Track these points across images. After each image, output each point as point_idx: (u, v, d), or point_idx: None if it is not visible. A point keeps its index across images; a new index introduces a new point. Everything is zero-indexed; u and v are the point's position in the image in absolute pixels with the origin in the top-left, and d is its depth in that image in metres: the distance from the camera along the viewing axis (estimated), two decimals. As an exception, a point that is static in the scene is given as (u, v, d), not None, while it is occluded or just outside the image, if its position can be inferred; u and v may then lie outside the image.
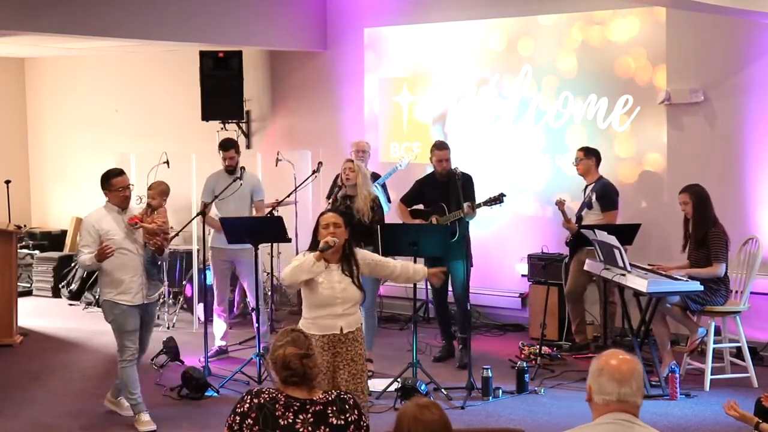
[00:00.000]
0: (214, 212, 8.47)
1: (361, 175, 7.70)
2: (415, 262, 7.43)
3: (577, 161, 8.49)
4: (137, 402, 6.63)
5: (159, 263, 6.80)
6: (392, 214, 8.74)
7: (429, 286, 8.89)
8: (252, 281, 8.19)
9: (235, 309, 9.87)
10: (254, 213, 8.55)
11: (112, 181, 6.61)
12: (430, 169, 8.61)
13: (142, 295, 6.60)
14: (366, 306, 7.80)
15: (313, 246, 5.45)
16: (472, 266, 7.85)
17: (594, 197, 8.32)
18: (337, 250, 5.40)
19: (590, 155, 8.44)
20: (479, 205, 7.91)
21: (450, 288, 8.25)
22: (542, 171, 9.46)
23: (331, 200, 7.88)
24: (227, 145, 8.57)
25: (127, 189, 6.68)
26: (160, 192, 7.53)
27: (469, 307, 7.73)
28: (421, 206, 8.37)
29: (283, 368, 3.69)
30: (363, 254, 5.59)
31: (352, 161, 7.82)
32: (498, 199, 7.86)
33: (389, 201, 9.22)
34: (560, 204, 8.38)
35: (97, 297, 10.93)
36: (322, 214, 5.59)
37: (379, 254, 7.65)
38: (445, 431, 3.20)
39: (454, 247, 7.73)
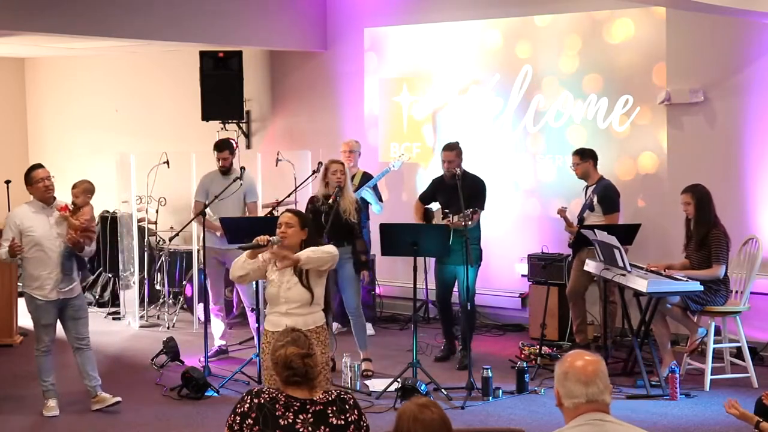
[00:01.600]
0: (207, 212, 8.47)
1: (347, 177, 7.76)
2: (415, 262, 7.49)
3: (573, 166, 8.47)
4: (48, 389, 6.91)
5: (80, 259, 6.93)
6: (393, 212, 8.72)
7: (429, 286, 8.88)
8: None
9: (234, 309, 9.86)
10: (247, 214, 8.53)
11: (32, 174, 6.80)
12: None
13: (57, 290, 6.77)
14: (350, 308, 7.82)
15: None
16: (472, 266, 7.84)
17: (595, 199, 8.29)
18: (291, 250, 5.46)
19: (586, 158, 8.39)
20: (451, 221, 7.73)
21: (456, 288, 8.26)
22: (542, 171, 9.46)
23: (331, 200, 7.87)
24: (221, 146, 8.58)
25: (47, 180, 6.82)
26: (83, 190, 7.56)
27: (469, 308, 7.73)
28: (437, 205, 8.36)
29: (284, 368, 3.69)
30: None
31: (342, 163, 7.83)
32: (468, 217, 7.62)
33: (381, 200, 9.25)
34: (562, 212, 8.37)
35: (96, 297, 10.94)
36: (282, 212, 5.65)
37: (363, 254, 7.72)
38: (444, 431, 3.20)
39: (456, 251, 7.72)
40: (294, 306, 5.41)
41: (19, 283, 10.41)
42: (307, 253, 5.44)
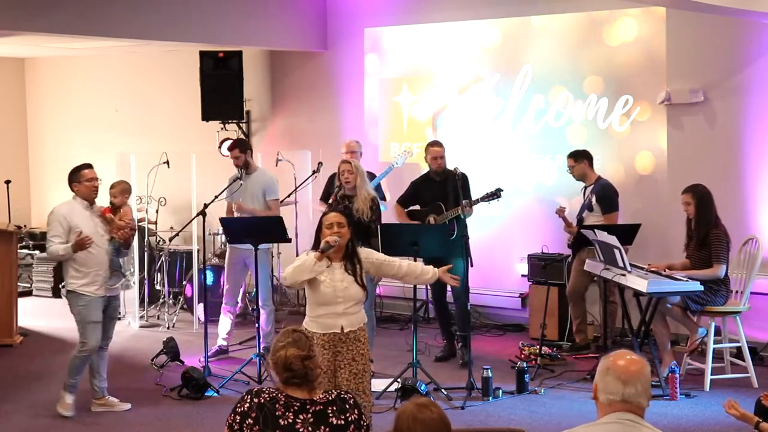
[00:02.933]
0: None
1: (360, 175, 7.72)
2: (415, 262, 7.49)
3: (570, 169, 8.47)
4: (72, 385, 6.84)
5: (122, 257, 7.02)
6: (389, 216, 8.74)
7: (428, 286, 8.88)
8: (262, 279, 8.18)
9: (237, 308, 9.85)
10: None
11: (82, 173, 6.79)
12: (426, 168, 8.59)
13: (105, 287, 6.79)
14: (364, 307, 7.79)
15: (317, 246, 5.47)
16: (472, 266, 7.86)
17: (594, 199, 8.30)
18: (340, 249, 5.42)
19: (580, 159, 8.40)
20: (476, 202, 7.91)
21: (449, 287, 8.26)
22: (542, 171, 9.46)
23: (331, 200, 7.88)
24: (230, 146, 8.64)
25: (96, 181, 6.85)
26: (121, 191, 7.62)
27: (468, 307, 7.73)
28: (417, 207, 8.37)
29: (284, 369, 3.68)
30: (367, 253, 5.57)
31: (350, 162, 7.83)
32: (495, 194, 7.84)
33: (385, 200, 9.24)
34: (560, 212, 8.37)
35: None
36: (324, 214, 5.62)
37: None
38: (444, 430, 3.20)
39: (452, 246, 7.74)
40: (350, 305, 5.40)
41: (27, 283, 10.46)
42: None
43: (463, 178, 8.02)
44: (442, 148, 8.24)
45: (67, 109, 12.91)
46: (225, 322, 8.59)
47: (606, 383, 3.20)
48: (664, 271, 7.36)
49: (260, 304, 8.12)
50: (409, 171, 9.87)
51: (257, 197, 8.47)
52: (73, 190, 6.81)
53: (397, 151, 10.18)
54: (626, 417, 3.17)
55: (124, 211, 7.23)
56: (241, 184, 8.33)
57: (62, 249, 6.63)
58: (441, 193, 8.00)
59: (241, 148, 8.51)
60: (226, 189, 8.29)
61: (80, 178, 6.78)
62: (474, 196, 8.09)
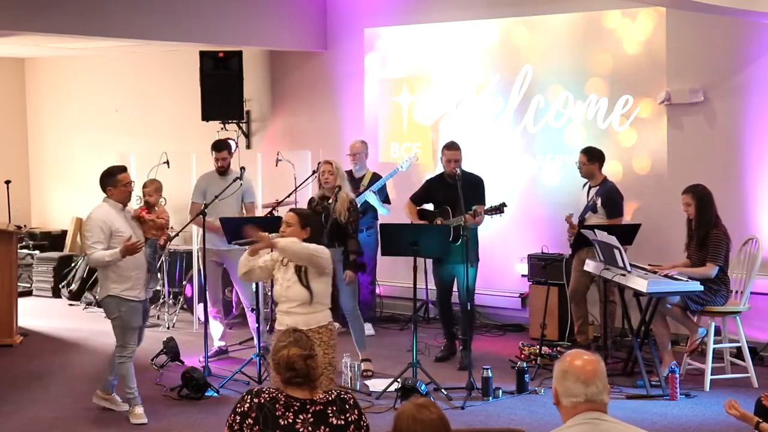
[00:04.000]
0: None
1: (340, 177, 7.73)
2: (415, 263, 7.48)
3: (580, 164, 8.41)
4: (134, 396, 6.79)
5: (157, 257, 7.06)
6: (400, 213, 8.69)
7: (433, 285, 8.87)
8: (243, 282, 8.16)
9: (234, 309, 9.86)
10: (244, 215, 8.53)
11: (118, 177, 6.72)
12: (431, 170, 8.59)
13: (145, 290, 6.80)
14: (347, 309, 7.80)
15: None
16: (478, 260, 7.87)
17: (600, 202, 8.22)
18: None
19: (593, 161, 8.24)
20: (478, 214, 7.85)
21: (455, 288, 8.25)
22: (542, 171, 9.45)
23: (330, 200, 7.87)
24: (220, 146, 8.60)
25: (131, 185, 6.83)
26: (155, 189, 7.62)
27: (470, 308, 7.73)
28: (430, 206, 8.35)
29: (286, 369, 3.68)
30: None
31: (331, 163, 7.81)
32: (499, 209, 7.79)
33: (389, 202, 9.22)
34: (568, 219, 8.32)
35: (97, 297, 10.92)
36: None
37: (353, 254, 7.67)
38: (443, 430, 3.21)
39: (456, 250, 7.72)
40: (294, 305, 5.43)
41: (27, 283, 10.46)
42: (286, 242, 5.51)
43: (474, 182, 8.04)
44: (457, 150, 8.11)
45: (67, 109, 12.91)
46: (216, 325, 8.58)
47: (566, 387, 3.22)
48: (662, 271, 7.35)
49: (246, 306, 8.21)
50: (416, 173, 9.88)
51: (237, 200, 8.46)
52: (106, 194, 6.73)
53: (399, 152, 10.17)
54: (592, 416, 3.20)
55: (159, 209, 7.24)
56: (241, 184, 8.33)
57: (108, 255, 6.48)
58: (453, 195, 7.95)
59: (230, 149, 8.60)
60: (226, 189, 8.27)
61: (117, 183, 6.69)
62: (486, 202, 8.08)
